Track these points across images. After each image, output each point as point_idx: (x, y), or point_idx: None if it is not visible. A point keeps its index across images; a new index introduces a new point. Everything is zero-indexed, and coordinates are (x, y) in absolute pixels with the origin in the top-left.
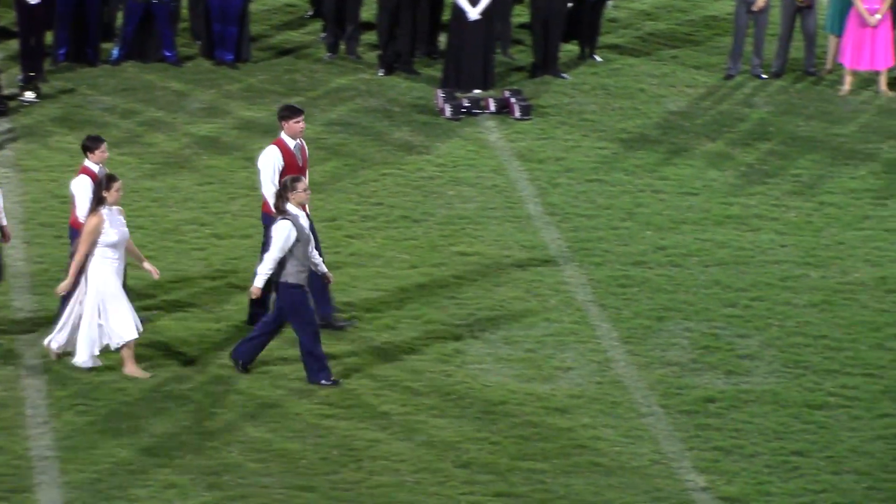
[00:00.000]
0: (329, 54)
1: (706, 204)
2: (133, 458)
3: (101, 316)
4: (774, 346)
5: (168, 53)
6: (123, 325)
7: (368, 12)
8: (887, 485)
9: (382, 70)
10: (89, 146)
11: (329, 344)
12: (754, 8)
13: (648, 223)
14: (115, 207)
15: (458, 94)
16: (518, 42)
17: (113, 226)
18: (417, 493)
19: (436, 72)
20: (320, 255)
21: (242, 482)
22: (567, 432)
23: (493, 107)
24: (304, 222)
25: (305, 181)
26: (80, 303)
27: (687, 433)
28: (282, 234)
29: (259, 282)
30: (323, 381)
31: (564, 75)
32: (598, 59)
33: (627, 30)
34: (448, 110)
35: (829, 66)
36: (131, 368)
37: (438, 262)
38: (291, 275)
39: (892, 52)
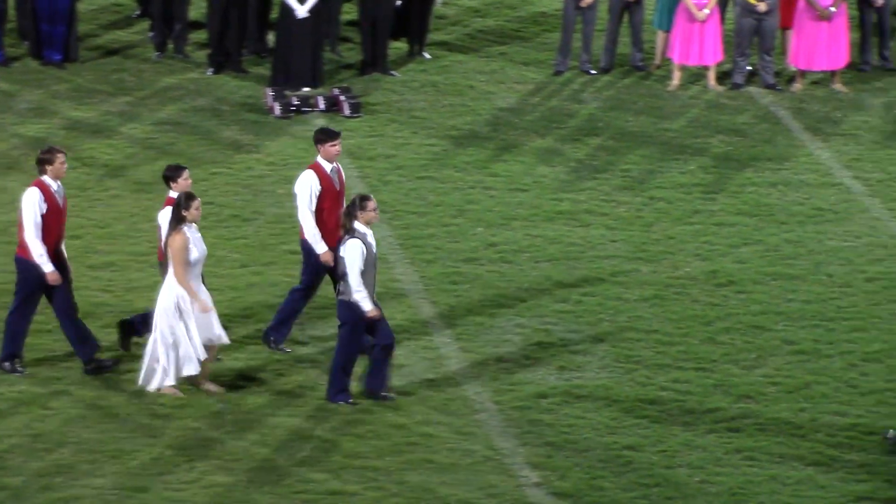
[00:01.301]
0: (157, 53)
1: (536, 200)
2: None
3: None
4: (606, 341)
5: None
6: (194, 346)
7: (195, 11)
8: (719, 478)
9: (211, 69)
10: (171, 175)
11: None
12: (582, 4)
13: (479, 220)
14: (193, 225)
15: (288, 93)
16: (347, 40)
17: (194, 244)
18: (251, 492)
19: (265, 70)
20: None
21: (75, 483)
22: (400, 429)
23: (322, 105)
24: (372, 241)
25: (374, 201)
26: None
27: (520, 429)
28: (355, 253)
29: (367, 304)
30: (341, 402)
31: (394, 73)
32: (427, 56)
33: (456, 27)
34: (277, 109)
35: (657, 61)
36: (209, 386)
37: (269, 261)
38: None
39: (720, 46)
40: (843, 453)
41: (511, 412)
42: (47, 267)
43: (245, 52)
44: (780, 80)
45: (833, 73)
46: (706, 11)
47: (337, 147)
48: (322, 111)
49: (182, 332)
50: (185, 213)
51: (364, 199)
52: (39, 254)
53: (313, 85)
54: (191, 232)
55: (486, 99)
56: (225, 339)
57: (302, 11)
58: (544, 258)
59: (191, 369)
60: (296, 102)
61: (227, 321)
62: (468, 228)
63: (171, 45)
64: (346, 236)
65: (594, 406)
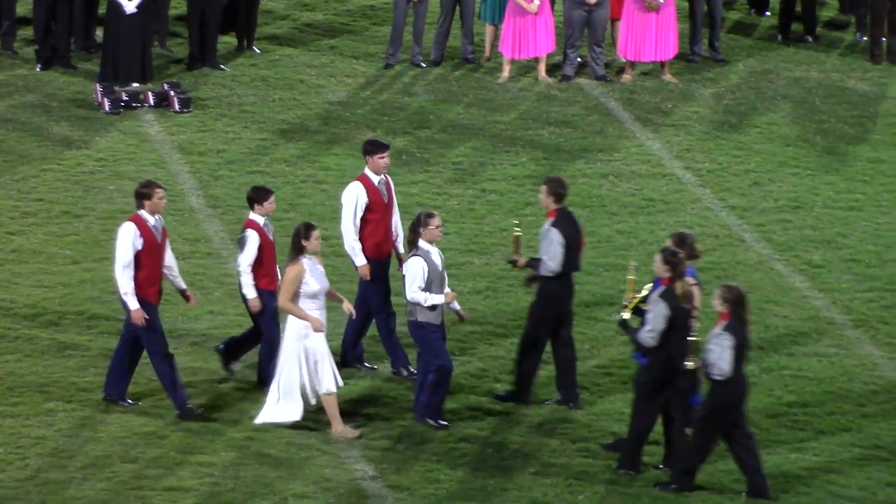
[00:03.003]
0: None
1: None
2: None
3: (302, 369)
4: None
5: None
6: (325, 378)
7: (23, 7)
8: (554, 469)
9: (40, 65)
10: (255, 198)
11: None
12: None
13: (311, 214)
14: (314, 256)
15: (117, 88)
16: (175, 35)
17: (314, 276)
18: (85, 489)
19: (94, 66)
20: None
21: None
22: (234, 424)
23: (152, 100)
24: (437, 259)
25: (439, 218)
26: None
27: (356, 423)
28: (416, 271)
29: (436, 298)
30: (429, 421)
31: (223, 67)
32: (256, 50)
33: (285, 21)
34: (107, 104)
35: (487, 54)
36: (338, 428)
37: (101, 258)
38: (422, 313)
39: (553, 37)
40: None
41: (346, 406)
42: (132, 304)
43: (73, 48)
44: (610, 72)
45: (663, 64)
46: (537, 3)
47: (385, 159)
48: (152, 106)
49: (297, 376)
50: (305, 244)
51: (428, 216)
52: (125, 291)
53: (142, 80)
54: (311, 264)
55: (316, 93)
56: (338, 384)
57: (130, 7)
58: None
59: (294, 413)
60: (125, 98)
61: (58, 318)
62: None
63: None
64: (411, 253)
65: None
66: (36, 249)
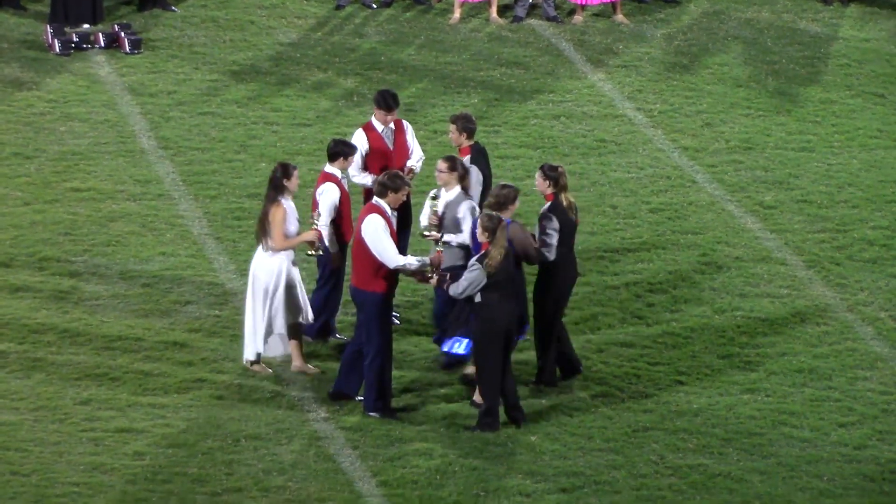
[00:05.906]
0: None
1: (320, 135)
2: None
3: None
4: None
5: None
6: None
7: None
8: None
9: None
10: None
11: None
12: None
13: (262, 155)
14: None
15: (67, 29)
16: None
17: (292, 217)
18: (38, 430)
19: (44, 7)
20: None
21: None
22: (187, 366)
23: (102, 41)
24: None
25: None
26: None
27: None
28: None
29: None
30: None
31: (174, 8)
32: None
33: None
34: (57, 46)
35: None
36: (298, 363)
37: (52, 199)
38: None
39: None
40: (628, 384)
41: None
42: (424, 258)
43: None
44: (562, 13)
45: (614, 5)
46: None
47: (390, 117)
48: (102, 48)
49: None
50: (286, 184)
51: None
52: (417, 258)
53: (93, 21)
54: (289, 204)
55: (266, 34)
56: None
57: None
58: None
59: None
60: (76, 39)
61: (9, 259)
62: (252, 164)
63: None
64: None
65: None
66: None
